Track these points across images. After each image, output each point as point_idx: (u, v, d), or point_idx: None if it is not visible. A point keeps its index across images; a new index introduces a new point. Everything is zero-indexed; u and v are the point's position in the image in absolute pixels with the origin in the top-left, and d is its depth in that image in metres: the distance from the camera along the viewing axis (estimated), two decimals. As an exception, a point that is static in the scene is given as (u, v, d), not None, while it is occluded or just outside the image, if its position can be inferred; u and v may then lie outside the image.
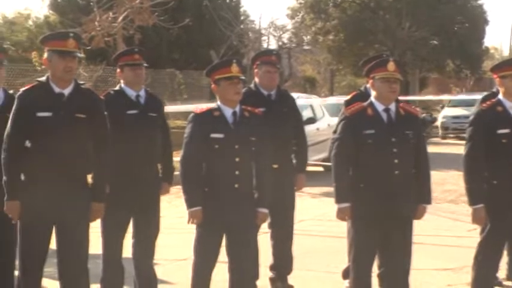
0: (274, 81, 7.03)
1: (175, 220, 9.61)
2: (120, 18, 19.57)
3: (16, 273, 5.95)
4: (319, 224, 10.57)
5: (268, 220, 6.51)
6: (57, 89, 5.55)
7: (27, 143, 5.53)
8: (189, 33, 27.13)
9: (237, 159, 5.78)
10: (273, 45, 35.09)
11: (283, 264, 7.14)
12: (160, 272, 6.88)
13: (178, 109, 18.52)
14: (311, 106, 16.76)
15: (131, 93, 6.42)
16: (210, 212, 5.72)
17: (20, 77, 20.29)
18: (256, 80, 7.06)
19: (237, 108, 5.87)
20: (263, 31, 33.12)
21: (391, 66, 5.87)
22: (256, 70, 7.06)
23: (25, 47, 29.61)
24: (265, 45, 33.75)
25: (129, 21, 19.87)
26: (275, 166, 6.45)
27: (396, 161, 5.81)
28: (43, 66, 21.61)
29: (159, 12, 20.21)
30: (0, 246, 6.28)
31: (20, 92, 5.65)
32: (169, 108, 15.19)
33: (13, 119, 5.55)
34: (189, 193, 5.76)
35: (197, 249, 5.86)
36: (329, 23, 38.29)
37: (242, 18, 33.60)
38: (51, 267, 5.85)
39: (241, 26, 30.36)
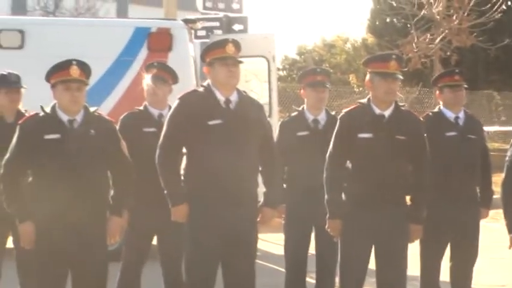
0: None
1: (491, 244, 9.35)
2: (438, 39, 19.49)
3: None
4: None
5: None
6: (377, 111, 5.64)
7: (348, 163, 5.68)
8: (508, 54, 26.30)
9: None
10: None
11: None
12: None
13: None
14: None
15: (450, 114, 6.37)
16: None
17: (337, 99, 20.90)
18: None
19: None
20: None
21: None
22: None
23: (343, 70, 30.43)
24: None
25: (447, 43, 19.72)
26: None
27: None
28: (360, 88, 22.09)
29: (477, 32, 19.86)
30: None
31: (342, 113, 5.81)
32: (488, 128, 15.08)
33: (334, 141, 5.72)
34: (512, 219, 5.62)
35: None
36: None
37: None
38: (370, 286, 5.96)
39: None
